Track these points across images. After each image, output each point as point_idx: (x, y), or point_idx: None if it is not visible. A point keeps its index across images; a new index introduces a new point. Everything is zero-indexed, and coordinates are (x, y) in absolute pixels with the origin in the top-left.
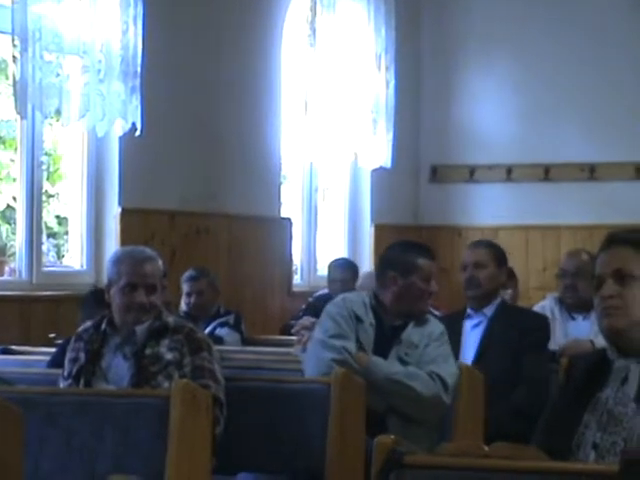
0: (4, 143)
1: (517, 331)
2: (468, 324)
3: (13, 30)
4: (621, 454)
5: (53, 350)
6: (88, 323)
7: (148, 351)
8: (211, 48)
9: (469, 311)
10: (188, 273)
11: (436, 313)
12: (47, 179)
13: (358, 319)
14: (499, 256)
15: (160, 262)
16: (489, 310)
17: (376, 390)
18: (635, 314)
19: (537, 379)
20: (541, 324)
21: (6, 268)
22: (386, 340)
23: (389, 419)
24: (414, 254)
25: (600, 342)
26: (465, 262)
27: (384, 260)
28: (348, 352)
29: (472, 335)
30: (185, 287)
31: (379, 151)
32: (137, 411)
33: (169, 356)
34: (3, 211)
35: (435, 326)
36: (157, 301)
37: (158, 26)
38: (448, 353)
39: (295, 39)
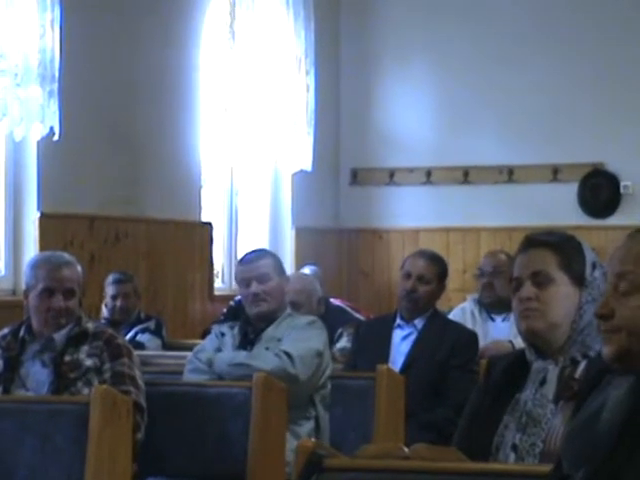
0: None
1: (447, 346)
2: (397, 334)
3: None
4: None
5: None
6: (5, 329)
7: (67, 357)
8: (129, 52)
9: (399, 321)
10: (114, 276)
11: (358, 316)
12: None
13: (222, 334)
14: (443, 273)
15: (79, 267)
16: (420, 322)
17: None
18: (553, 316)
19: (461, 404)
20: (470, 340)
21: None
22: (249, 342)
23: None
24: (236, 270)
25: (519, 343)
26: (409, 271)
27: None
28: (198, 359)
29: (401, 346)
30: (110, 290)
31: (300, 154)
32: (56, 418)
33: (89, 362)
34: None
35: (303, 319)
36: (75, 306)
37: (76, 30)
38: (309, 336)
39: (215, 42)
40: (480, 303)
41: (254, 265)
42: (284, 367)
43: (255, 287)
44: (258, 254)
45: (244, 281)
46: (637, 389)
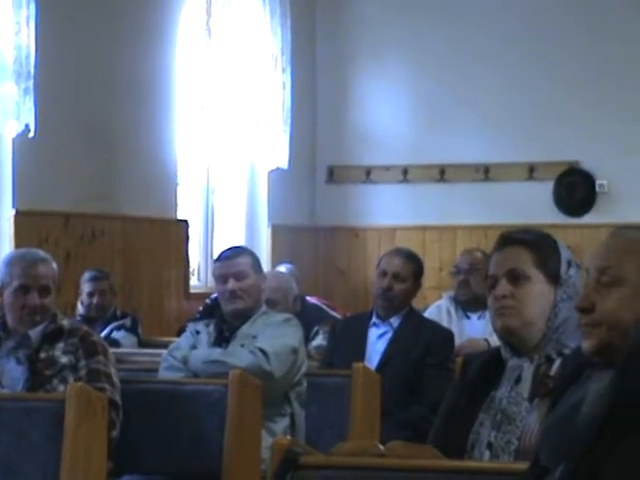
0: None
1: (422, 344)
2: (373, 333)
3: None
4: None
5: None
6: None
7: (42, 355)
8: (105, 49)
9: (375, 319)
10: (90, 273)
11: (334, 314)
12: None
13: (197, 332)
14: (418, 271)
15: (54, 264)
16: (396, 320)
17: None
18: (528, 314)
19: (436, 402)
20: (446, 339)
21: None
22: (224, 340)
23: None
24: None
25: (495, 341)
26: (385, 269)
27: None
28: (173, 357)
29: (377, 345)
30: (87, 287)
31: (276, 152)
32: (31, 415)
33: (64, 360)
34: None
35: (278, 316)
36: (51, 303)
37: (51, 27)
38: (284, 333)
39: (191, 39)
40: (456, 301)
41: (232, 262)
42: (259, 364)
43: (232, 284)
44: (236, 251)
45: (221, 278)
46: (617, 383)
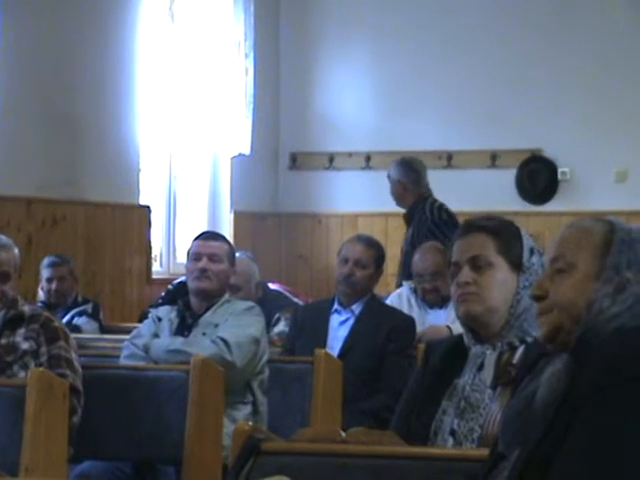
0: None
1: (384, 331)
2: (335, 319)
3: None
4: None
5: None
6: None
7: (3, 341)
8: (67, 33)
9: (337, 306)
10: (49, 259)
11: (296, 300)
12: None
13: (159, 319)
14: (380, 258)
15: (16, 250)
16: (357, 307)
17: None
18: (491, 300)
19: (398, 389)
20: (407, 326)
21: None
22: (187, 327)
23: None
24: (191, 245)
25: (457, 328)
26: (346, 256)
27: None
28: (134, 345)
29: (339, 332)
30: (46, 273)
31: (239, 138)
32: None
33: (25, 345)
34: None
35: (241, 304)
36: (11, 289)
37: (13, 9)
38: (246, 323)
39: (154, 24)
40: (416, 291)
41: (210, 243)
42: (221, 354)
43: (205, 263)
44: (217, 235)
45: (195, 255)
46: (571, 367)
